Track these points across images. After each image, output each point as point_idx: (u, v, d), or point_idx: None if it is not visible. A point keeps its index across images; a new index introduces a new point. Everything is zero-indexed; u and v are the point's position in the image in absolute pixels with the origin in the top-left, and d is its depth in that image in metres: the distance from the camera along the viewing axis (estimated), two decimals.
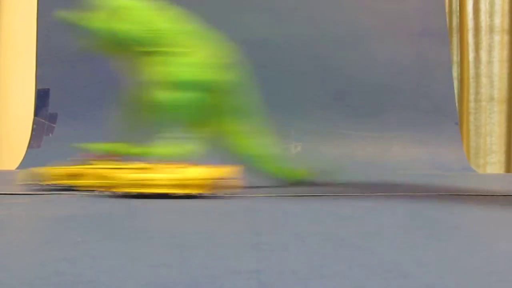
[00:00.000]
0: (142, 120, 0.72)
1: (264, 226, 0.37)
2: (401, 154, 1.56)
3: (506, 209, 0.52)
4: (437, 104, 1.65)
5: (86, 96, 1.58)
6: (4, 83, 1.73)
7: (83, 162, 0.70)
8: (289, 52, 1.62)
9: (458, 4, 1.95)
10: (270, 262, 0.24)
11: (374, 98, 1.61)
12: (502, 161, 1.91)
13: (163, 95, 0.65)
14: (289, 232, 0.34)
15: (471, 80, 1.92)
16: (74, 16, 0.67)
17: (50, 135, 1.56)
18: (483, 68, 1.91)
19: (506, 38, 1.91)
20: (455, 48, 1.94)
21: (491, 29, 1.91)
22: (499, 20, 1.91)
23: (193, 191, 0.57)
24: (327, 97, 1.60)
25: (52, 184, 0.69)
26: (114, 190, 0.59)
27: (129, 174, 0.59)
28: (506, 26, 1.91)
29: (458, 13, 1.95)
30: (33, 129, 1.58)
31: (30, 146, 1.55)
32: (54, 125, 1.57)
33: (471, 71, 1.92)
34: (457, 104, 1.75)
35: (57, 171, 0.70)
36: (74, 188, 0.66)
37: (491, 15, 1.92)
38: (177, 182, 0.57)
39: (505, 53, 1.91)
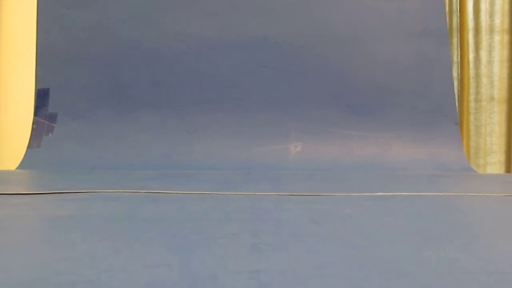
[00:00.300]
0: None
1: (264, 226, 0.37)
2: (401, 154, 1.56)
3: (506, 209, 0.52)
4: (437, 104, 1.65)
5: (86, 96, 1.58)
6: (4, 83, 1.73)
7: None
8: (289, 51, 1.62)
9: (458, 4, 1.95)
10: (270, 262, 0.23)
11: (374, 98, 1.61)
12: (502, 161, 1.91)
13: None
14: (289, 232, 0.34)
15: (471, 80, 1.92)
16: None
17: (50, 135, 1.56)
18: (483, 68, 1.91)
19: (506, 38, 1.91)
20: (455, 48, 1.94)
21: (491, 29, 1.91)
22: (499, 20, 1.91)
23: None
24: (327, 97, 1.60)
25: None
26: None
27: None
28: (506, 26, 1.91)
29: (458, 13, 1.95)
30: (33, 129, 1.58)
31: (30, 146, 1.55)
32: (54, 125, 1.57)
33: (471, 71, 1.92)
34: (457, 104, 1.75)
35: None
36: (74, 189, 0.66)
37: (491, 15, 1.92)
38: None
39: (505, 53, 1.91)
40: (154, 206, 0.50)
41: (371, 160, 1.51)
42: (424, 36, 1.67)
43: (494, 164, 1.92)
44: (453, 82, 1.70)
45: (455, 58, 1.93)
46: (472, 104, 1.93)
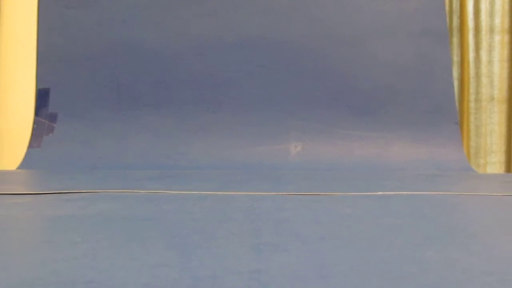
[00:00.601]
0: None
1: (264, 226, 0.37)
2: (401, 154, 1.56)
3: (506, 209, 0.52)
4: (437, 104, 1.65)
5: (86, 96, 1.58)
6: (5, 83, 1.73)
7: None
8: (288, 51, 1.62)
9: (458, 4, 1.95)
10: (270, 262, 0.23)
11: (374, 98, 1.61)
12: (502, 161, 1.91)
13: None
14: (289, 232, 0.34)
15: (471, 80, 1.92)
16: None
17: (50, 135, 1.56)
18: (483, 68, 1.91)
19: (506, 38, 1.91)
20: (455, 48, 1.94)
21: (491, 29, 1.91)
22: (499, 20, 1.91)
23: None
24: (327, 97, 1.60)
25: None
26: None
27: None
28: (506, 26, 1.91)
29: (458, 13, 1.95)
30: (33, 129, 1.58)
31: (30, 146, 1.55)
32: (54, 125, 1.57)
33: (471, 71, 1.92)
34: (457, 104, 1.75)
35: None
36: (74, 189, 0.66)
37: (491, 15, 1.92)
38: None
39: (505, 53, 1.91)
40: (154, 206, 0.50)
41: (371, 160, 1.51)
42: (424, 36, 1.67)
43: (494, 164, 1.92)
44: (453, 82, 1.70)
45: (455, 58, 1.93)
46: (472, 104, 1.93)
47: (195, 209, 0.48)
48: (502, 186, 0.93)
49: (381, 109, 1.60)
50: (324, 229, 0.36)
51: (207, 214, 0.45)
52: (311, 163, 1.47)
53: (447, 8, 1.91)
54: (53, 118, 1.58)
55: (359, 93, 1.61)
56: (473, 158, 1.91)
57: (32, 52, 1.64)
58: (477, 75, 1.94)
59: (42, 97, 1.60)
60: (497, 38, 1.93)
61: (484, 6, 1.92)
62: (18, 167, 1.48)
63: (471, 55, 1.92)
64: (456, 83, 1.91)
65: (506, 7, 1.93)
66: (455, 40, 1.94)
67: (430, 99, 1.64)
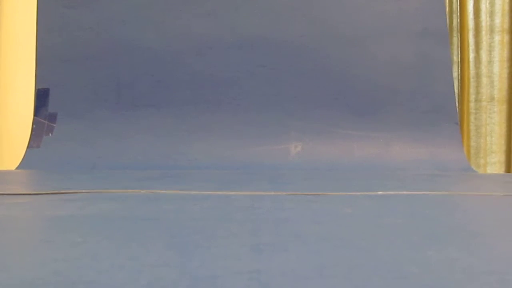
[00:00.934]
0: None
1: (264, 226, 0.37)
2: (401, 154, 1.56)
3: (506, 209, 0.52)
4: (437, 104, 1.65)
5: (86, 96, 1.58)
6: (4, 83, 1.73)
7: None
8: (288, 52, 1.62)
9: (458, 4, 1.95)
10: (270, 262, 0.23)
11: (374, 98, 1.61)
12: (502, 161, 1.91)
13: None
14: (289, 232, 0.34)
15: (471, 80, 1.92)
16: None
17: (50, 135, 1.56)
18: (484, 68, 1.91)
19: (506, 38, 1.91)
20: (455, 48, 1.94)
21: (491, 29, 1.91)
22: (499, 20, 1.91)
23: None
24: (327, 97, 1.60)
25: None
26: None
27: None
28: (506, 26, 1.91)
29: (458, 13, 1.95)
30: (33, 129, 1.58)
31: (30, 146, 1.55)
32: (54, 125, 1.57)
33: (472, 71, 1.92)
34: (457, 104, 1.75)
35: None
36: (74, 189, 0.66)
37: (491, 15, 1.92)
38: None
39: (505, 53, 1.91)
40: (154, 206, 0.50)
41: (371, 160, 1.51)
42: (424, 36, 1.67)
43: (494, 164, 1.92)
44: (453, 82, 1.70)
45: (455, 58, 1.93)
46: (472, 104, 1.93)
47: (195, 209, 0.48)
48: (502, 186, 0.93)
49: (381, 109, 1.60)
50: (324, 229, 0.36)
51: (207, 214, 0.45)
52: (311, 163, 1.47)
53: (447, 8, 1.91)
54: (52, 118, 1.58)
55: (359, 93, 1.61)
56: (473, 158, 1.91)
57: (31, 52, 1.64)
58: (477, 75, 1.94)
59: (41, 97, 1.60)
60: (497, 38, 1.93)
61: (484, 6, 1.92)
62: (18, 167, 1.48)
63: (471, 55, 1.92)
64: (456, 83, 1.91)
65: (506, 7, 1.93)
66: (455, 40, 1.94)
67: (430, 99, 1.64)
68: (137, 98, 1.54)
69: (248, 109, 1.54)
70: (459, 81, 1.93)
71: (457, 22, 1.95)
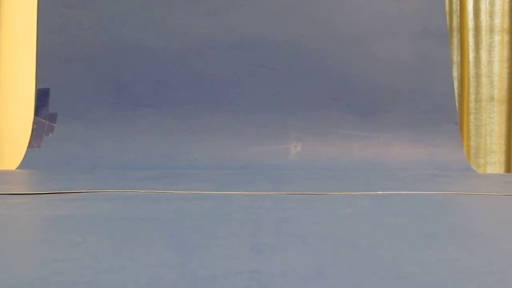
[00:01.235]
0: None
1: (264, 226, 0.37)
2: (401, 154, 1.56)
3: (506, 209, 0.52)
4: (437, 104, 1.65)
5: (86, 96, 1.58)
6: (5, 83, 1.73)
7: None
8: (288, 52, 1.62)
9: (458, 4, 1.95)
10: (270, 262, 0.23)
11: (374, 98, 1.61)
12: (502, 161, 1.91)
13: None
14: (289, 232, 0.34)
15: (471, 80, 1.92)
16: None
17: (50, 134, 1.56)
18: (483, 68, 1.91)
19: (506, 38, 1.91)
20: (455, 48, 1.94)
21: (491, 29, 1.91)
22: (499, 20, 1.91)
23: None
24: (327, 97, 1.60)
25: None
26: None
27: None
28: (506, 26, 1.91)
29: (458, 13, 1.95)
30: (33, 129, 1.58)
31: (30, 145, 1.55)
32: (54, 125, 1.57)
33: (471, 71, 1.92)
34: (457, 104, 1.75)
35: None
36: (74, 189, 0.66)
37: (491, 15, 1.92)
38: None
39: (505, 53, 1.91)
40: (154, 206, 0.50)
41: (371, 160, 1.51)
42: (424, 36, 1.67)
43: (494, 164, 1.92)
44: (453, 82, 1.70)
45: (455, 58, 1.93)
46: (472, 104, 1.93)
47: (195, 209, 0.48)
48: (502, 186, 0.93)
49: (381, 109, 1.60)
50: (324, 229, 0.36)
51: (207, 214, 0.45)
52: (311, 163, 1.47)
53: (447, 8, 1.91)
54: (53, 118, 1.58)
55: (359, 93, 1.61)
56: (473, 158, 1.91)
57: (32, 52, 1.64)
58: (477, 75, 1.94)
59: (41, 97, 1.60)
60: (497, 38, 1.93)
61: (484, 6, 1.92)
62: (18, 167, 1.48)
63: (471, 55, 1.92)
64: (456, 83, 1.91)
65: (506, 7, 1.93)
66: (455, 40, 1.94)
67: (430, 99, 1.64)
68: (137, 98, 1.54)
69: (248, 109, 1.54)
70: (459, 81, 1.93)
71: (457, 22, 1.95)
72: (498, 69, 1.92)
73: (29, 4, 1.67)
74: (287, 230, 0.35)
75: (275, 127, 1.54)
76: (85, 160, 1.44)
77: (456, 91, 1.84)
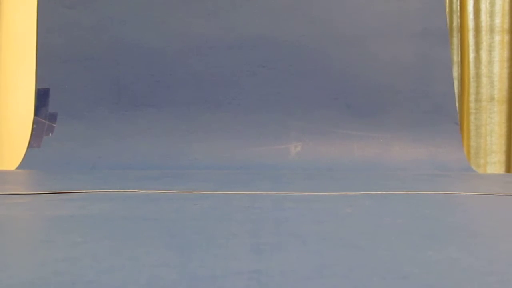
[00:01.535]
0: None
1: (264, 226, 0.37)
2: (401, 154, 1.56)
3: (506, 209, 0.52)
4: (437, 104, 1.65)
5: (86, 96, 1.58)
6: (5, 83, 1.73)
7: None
8: (288, 52, 1.62)
9: (458, 4, 1.95)
10: (270, 262, 0.23)
11: (374, 98, 1.61)
12: (502, 161, 1.91)
13: None
14: (289, 232, 0.34)
15: (471, 80, 1.92)
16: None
17: (50, 134, 1.56)
18: (484, 68, 1.91)
19: (506, 38, 1.91)
20: (455, 48, 1.94)
21: (491, 29, 1.91)
22: (500, 20, 1.91)
23: None
24: (327, 97, 1.60)
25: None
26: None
27: None
28: (506, 26, 1.91)
29: (458, 13, 1.95)
30: (33, 129, 1.58)
31: (30, 145, 1.55)
32: (54, 125, 1.57)
33: (472, 71, 1.92)
34: (457, 104, 1.75)
35: None
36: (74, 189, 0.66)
37: (491, 15, 1.92)
38: None
39: (506, 53, 1.91)
40: (154, 205, 0.50)
41: (371, 160, 1.51)
42: (424, 36, 1.67)
43: (494, 164, 1.92)
44: (453, 82, 1.70)
45: (455, 58, 1.93)
46: (472, 104, 1.93)
47: (195, 209, 0.48)
48: (502, 186, 0.93)
49: (381, 109, 1.60)
50: (324, 229, 0.36)
51: (207, 214, 0.45)
52: (311, 163, 1.47)
53: (447, 8, 1.91)
54: (53, 118, 1.58)
55: (359, 93, 1.61)
56: (473, 158, 1.91)
57: (32, 52, 1.64)
58: (477, 75, 1.94)
59: (41, 97, 1.60)
60: (497, 38, 1.93)
61: (484, 6, 1.92)
62: (18, 167, 1.48)
63: (471, 55, 1.92)
64: (456, 83, 1.91)
65: (506, 7, 1.93)
66: (455, 40, 1.94)
67: (430, 99, 1.64)
68: (137, 98, 1.54)
69: (248, 109, 1.54)
70: (459, 81, 1.93)
71: (457, 22, 1.95)
72: (498, 69, 1.92)
73: (29, 4, 1.67)
74: (287, 230, 0.35)
75: (275, 127, 1.54)
76: (85, 160, 1.44)
77: (456, 91, 1.84)
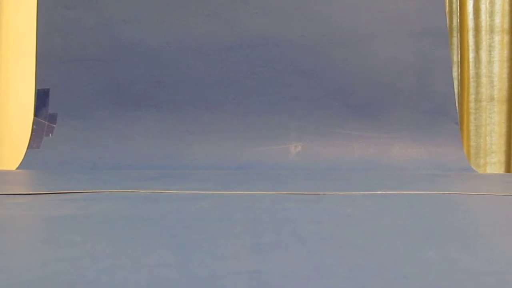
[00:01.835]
0: None
1: (264, 226, 0.37)
2: (401, 154, 1.56)
3: (506, 209, 0.52)
4: (437, 104, 1.65)
5: (86, 96, 1.58)
6: (4, 83, 1.73)
7: None
8: (289, 52, 1.62)
9: (458, 4, 1.95)
10: (270, 262, 0.23)
11: (374, 98, 1.61)
12: (502, 161, 1.91)
13: None
14: (289, 232, 0.34)
15: (471, 80, 1.92)
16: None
17: (50, 135, 1.56)
18: (483, 68, 1.91)
19: (506, 38, 1.91)
20: (455, 48, 1.94)
21: (491, 29, 1.91)
22: (499, 20, 1.91)
23: None
24: (327, 97, 1.60)
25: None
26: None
27: None
28: (506, 26, 1.91)
29: (458, 13, 1.95)
30: (33, 130, 1.58)
31: (30, 146, 1.55)
32: (54, 125, 1.57)
33: (471, 71, 1.92)
34: (457, 104, 1.75)
35: None
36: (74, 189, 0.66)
37: (491, 15, 1.92)
38: None
39: (505, 53, 1.91)
40: (154, 206, 0.50)
41: (371, 160, 1.51)
42: (424, 36, 1.67)
43: (494, 164, 1.92)
44: (453, 82, 1.70)
45: (455, 58, 1.93)
46: (472, 104, 1.93)
47: (195, 209, 0.48)
48: (502, 186, 0.93)
49: (381, 109, 1.60)
50: (324, 229, 0.36)
51: (207, 214, 0.45)
52: (311, 163, 1.47)
53: (447, 8, 1.91)
54: (52, 118, 1.58)
55: (359, 93, 1.61)
56: (473, 158, 1.91)
57: (31, 53, 1.64)
58: (477, 75, 1.94)
59: (41, 98, 1.60)
60: (497, 38, 1.93)
61: (484, 6, 1.92)
62: (18, 167, 1.48)
63: (471, 55, 1.92)
64: (456, 83, 1.91)
65: (506, 7, 1.93)
66: (455, 40, 1.94)
67: (430, 99, 1.64)
68: (137, 98, 1.55)
69: (248, 109, 1.54)
70: (459, 81, 1.93)
71: (457, 22, 1.95)
72: (498, 69, 1.92)
73: (29, 4, 1.67)
74: (287, 230, 0.35)
75: (275, 127, 1.54)
76: (85, 161, 1.44)
77: (456, 91, 1.84)
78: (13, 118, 1.70)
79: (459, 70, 1.94)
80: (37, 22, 1.64)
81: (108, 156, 1.46)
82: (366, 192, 0.69)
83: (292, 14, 1.63)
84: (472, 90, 1.94)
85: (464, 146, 1.76)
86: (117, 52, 1.57)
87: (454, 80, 1.82)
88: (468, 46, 1.92)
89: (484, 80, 1.93)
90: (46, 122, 1.57)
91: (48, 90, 1.60)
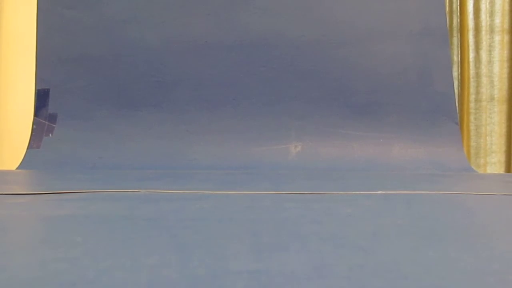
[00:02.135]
0: None
1: (264, 226, 0.37)
2: (401, 154, 1.56)
3: (506, 209, 0.52)
4: (437, 104, 1.65)
5: (86, 96, 1.58)
6: (4, 83, 1.73)
7: None
8: (288, 52, 1.62)
9: (458, 4, 1.95)
10: (270, 262, 0.23)
11: (374, 98, 1.61)
12: (502, 161, 1.91)
13: None
14: (289, 232, 0.34)
15: (471, 80, 1.92)
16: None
17: (50, 135, 1.56)
18: (484, 68, 1.91)
19: (506, 38, 1.91)
20: (455, 48, 1.94)
21: (491, 29, 1.91)
22: (500, 20, 1.91)
23: None
24: (327, 97, 1.60)
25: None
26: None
27: None
28: (506, 26, 1.91)
29: (458, 13, 1.95)
30: (33, 130, 1.58)
31: (30, 146, 1.55)
32: (54, 125, 1.57)
33: (472, 71, 1.92)
34: (457, 104, 1.75)
35: None
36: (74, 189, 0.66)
37: (491, 15, 1.92)
38: None
39: (505, 53, 1.91)
40: (154, 205, 0.50)
41: (371, 160, 1.51)
42: (424, 36, 1.67)
43: (494, 164, 1.92)
44: (453, 82, 1.70)
45: (455, 58, 1.93)
46: (472, 104, 1.93)
47: (195, 209, 0.48)
48: (502, 186, 0.93)
49: (381, 109, 1.60)
50: (324, 229, 0.36)
51: (207, 214, 0.45)
52: (311, 163, 1.47)
53: (447, 8, 1.91)
54: (52, 118, 1.58)
55: (359, 93, 1.61)
56: (473, 158, 1.91)
57: (31, 53, 1.64)
58: (477, 75, 1.94)
59: (41, 98, 1.60)
60: (497, 38, 1.93)
61: (484, 6, 1.92)
62: (18, 167, 1.48)
63: (471, 55, 1.92)
64: (456, 83, 1.91)
65: (506, 7, 1.93)
66: (455, 40, 1.94)
67: (430, 99, 1.64)
68: (137, 98, 1.55)
69: (248, 109, 1.54)
70: (459, 81, 1.93)
71: (457, 22, 1.95)
72: (498, 69, 1.92)
73: (29, 4, 1.67)
74: (287, 230, 0.35)
75: (275, 127, 1.54)
76: (85, 160, 1.44)
77: (456, 91, 1.84)
78: (13, 118, 1.70)
79: (459, 70, 1.94)
80: (37, 22, 1.64)
81: (108, 156, 1.46)
82: (366, 192, 0.69)
83: (292, 14, 1.63)
84: (472, 90, 1.94)
85: (464, 146, 1.76)
86: (117, 52, 1.57)
87: (454, 80, 1.82)
88: (468, 46, 1.92)
89: (484, 80, 1.93)
90: (46, 122, 1.57)
91: (48, 90, 1.60)
